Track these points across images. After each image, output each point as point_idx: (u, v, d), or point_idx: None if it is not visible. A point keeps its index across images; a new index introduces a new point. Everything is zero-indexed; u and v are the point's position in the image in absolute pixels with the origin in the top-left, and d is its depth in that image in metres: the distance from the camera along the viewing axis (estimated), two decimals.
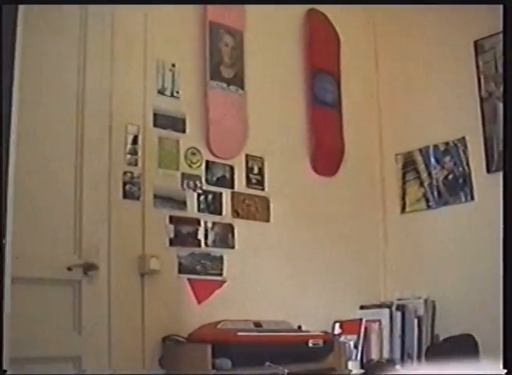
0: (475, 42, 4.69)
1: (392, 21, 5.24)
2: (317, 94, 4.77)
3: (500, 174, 4.43)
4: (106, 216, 3.63)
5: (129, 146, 3.78)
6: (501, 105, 4.50)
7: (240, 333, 3.57)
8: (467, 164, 4.67)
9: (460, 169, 4.70)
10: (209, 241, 4.03)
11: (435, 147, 4.84)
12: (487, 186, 4.55)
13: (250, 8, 4.42)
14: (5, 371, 2.75)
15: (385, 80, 5.25)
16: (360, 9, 5.17)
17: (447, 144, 4.78)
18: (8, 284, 2.42)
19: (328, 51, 4.94)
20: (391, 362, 4.37)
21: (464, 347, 4.33)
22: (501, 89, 4.50)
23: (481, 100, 4.63)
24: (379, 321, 4.50)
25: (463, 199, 4.66)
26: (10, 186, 2.46)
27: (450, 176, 4.75)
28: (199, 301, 3.91)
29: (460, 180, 4.69)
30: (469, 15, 4.69)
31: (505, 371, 2.71)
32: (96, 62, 3.71)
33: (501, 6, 3.94)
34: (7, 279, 2.41)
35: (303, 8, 4.82)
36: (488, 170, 4.54)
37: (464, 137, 4.69)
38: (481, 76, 4.66)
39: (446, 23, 4.87)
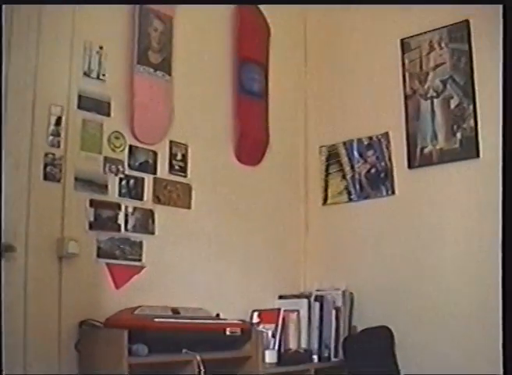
0: (402, 40, 4.77)
1: (322, 15, 5.28)
2: (244, 83, 4.75)
3: (421, 170, 4.54)
4: (25, 198, 3.54)
5: (52, 127, 3.70)
6: (424, 103, 4.59)
7: (157, 320, 3.54)
8: (390, 159, 4.74)
9: (383, 163, 4.77)
10: (129, 226, 3.98)
11: (359, 141, 4.90)
12: (408, 181, 4.64)
13: None
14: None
15: (312, 72, 5.29)
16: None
17: (371, 138, 4.84)
18: None
19: (257, 42, 4.93)
20: (308, 352, 4.42)
21: (380, 338, 4.42)
22: (425, 87, 4.60)
23: (406, 97, 4.72)
24: (298, 311, 4.53)
25: (384, 193, 4.74)
26: None
27: (373, 170, 4.81)
28: (117, 286, 3.87)
29: (382, 175, 4.76)
30: (397, 14, 4.77)
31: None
32: (21, 39, 3.62)
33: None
34: None
35: None
36: (410, 166, 4.63)
37: (387, 133, 4.76)
38: (406, 74, 4.74)
39: (375, 20, 4.94)
